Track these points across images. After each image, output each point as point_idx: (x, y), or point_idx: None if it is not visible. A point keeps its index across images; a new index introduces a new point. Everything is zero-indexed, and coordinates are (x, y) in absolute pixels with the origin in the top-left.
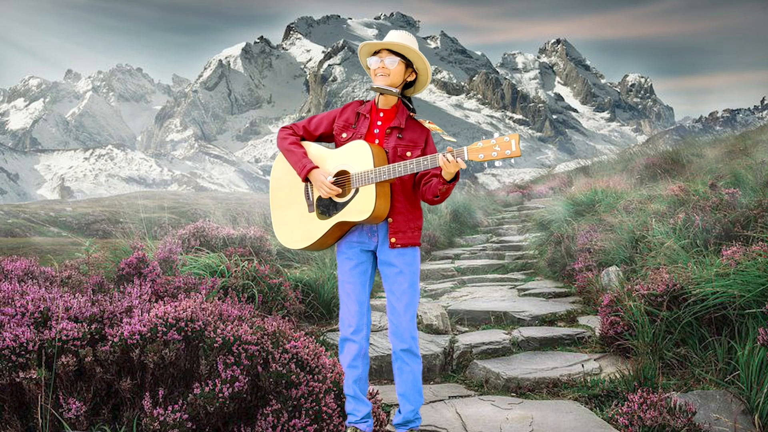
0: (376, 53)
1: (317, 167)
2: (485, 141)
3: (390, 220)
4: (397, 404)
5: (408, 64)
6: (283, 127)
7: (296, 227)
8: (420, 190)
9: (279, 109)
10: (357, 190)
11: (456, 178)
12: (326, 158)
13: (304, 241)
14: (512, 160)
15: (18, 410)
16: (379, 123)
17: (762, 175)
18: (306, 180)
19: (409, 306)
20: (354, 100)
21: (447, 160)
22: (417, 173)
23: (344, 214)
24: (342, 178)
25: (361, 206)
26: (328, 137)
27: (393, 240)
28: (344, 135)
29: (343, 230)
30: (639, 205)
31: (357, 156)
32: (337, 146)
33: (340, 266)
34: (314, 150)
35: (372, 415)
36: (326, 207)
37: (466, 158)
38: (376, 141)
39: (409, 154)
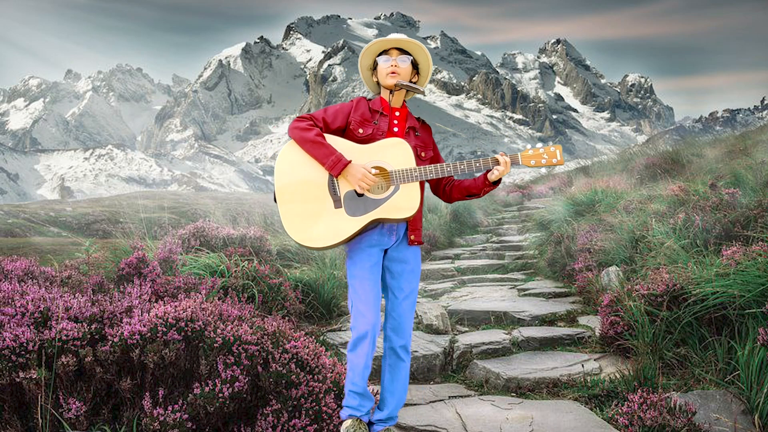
0: (384, 53)
1: (351, 161)
2: (534, 149)
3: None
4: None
5: (413, 64)
6: (300, 117)
7: (318, 224)
8: (442, 189)
9: (279, 109)
10: (397, 188)
11: (499, 181)
12: (356, 153)
13: (331, 239)
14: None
15: (18, 410)
16: (396, 122)
17: (762, 175)
18: (338, 175)
19: (413, 304)
20: (360, 97)
21: (506, 161)
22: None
23: (382, 211)
24: (378, 175)
25: (405, 203)
26: (340, 132)
27: (412, 237)
28: (361, 131)
29: (368, 228)
30: (639, 205)
31: (396, 153)
32: (350, 141)
33: (359, 264)
34: (340, 144)
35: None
36: (358, 204)
37: (520, 163)
38: (403, 139)
39: (423, 154)
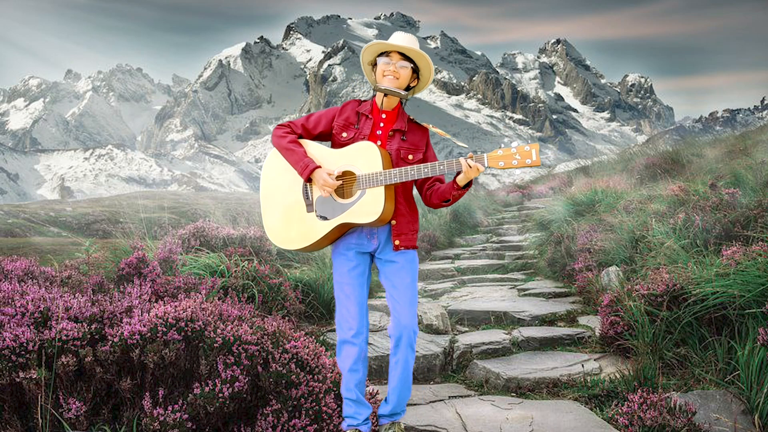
0: (385, 53)
1: (320, 166)
2: (505, 149)
3: (393, 222)
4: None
5: (414, 69)
6: (279, 125)
7: (292, 227)
8: (424, 194)
9: (279, 109)
10: (363, 192)
11: (469, 184)
12: (328, 158)
13: (301, 241)
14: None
15: (18, 410)
16: (382, 125)
17: (762, 175)
18: (308, 179)
19: (412, 301)
20: (352, 99)
21: (469, 165)
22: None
23: (349, 216)
24: (346, 179)
25: (369, 208)
26: (326, 136)
27: (397, 242)
28: (344, 134)
29: (343, 232)
30: (639, 205)
31: (364, 157)
32: (335, 146)
33: (338, 268)
34: (314, 149)
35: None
36: (327, 208)
37: (486, 165)
38: (379, 143)
39: (411, 157)
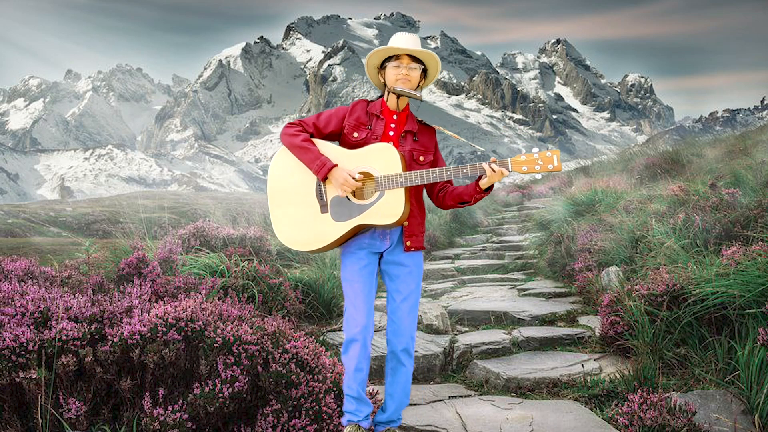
0: (394, 57)
1: (337, 165)
2: (528, 154)
3: (406, 223)
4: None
5: (423, 69)
6: (290, 123)
7: (304, 228)
8: (435, 196)
9: (279, 109)
10: (382, 193)
11: (491, 187)
12: (342, 158)
13: (315, 243)
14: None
15: (18, 410)
16: (393, 126)
17: (762, 175)
18: (324, 179)
19: (413, 307)
20: (360, 99)
21: (493, 170)
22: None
23: (367, 217)
24: (363, 180)
25: (389, 210)
26: (335, 136)
27: (408, 243)
28: (356, 135)
29: (356, 232)
30: (639, 205)
31: (382, 158)
32: (344, 146)
33: (349, 266)
34: (328, 148)
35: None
36: (344, 209)
37: (510, 169)
38: (391, 143)
39: (422, 158)
